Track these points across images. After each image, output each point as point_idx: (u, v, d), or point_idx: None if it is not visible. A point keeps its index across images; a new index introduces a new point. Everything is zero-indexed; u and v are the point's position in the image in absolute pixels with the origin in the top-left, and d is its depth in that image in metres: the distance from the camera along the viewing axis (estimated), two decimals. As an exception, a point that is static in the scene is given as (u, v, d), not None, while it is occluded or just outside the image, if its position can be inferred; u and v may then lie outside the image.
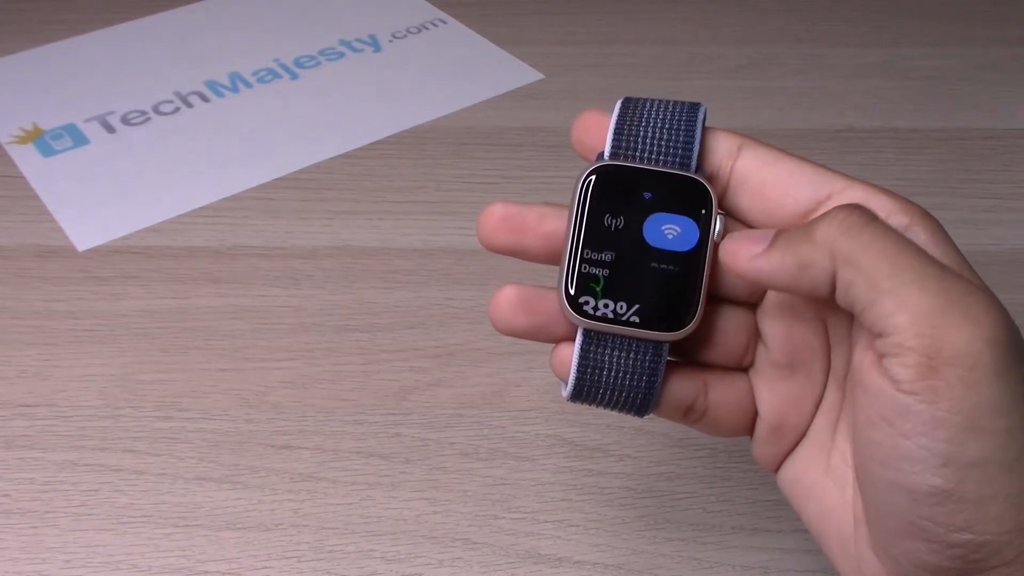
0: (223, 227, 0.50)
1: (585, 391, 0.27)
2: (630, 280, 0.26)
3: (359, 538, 0.36)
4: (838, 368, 0.27)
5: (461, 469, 0.39)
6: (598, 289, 0.26)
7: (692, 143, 0.26)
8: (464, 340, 0.44)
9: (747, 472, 0.39)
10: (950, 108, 0.60)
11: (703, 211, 0.26)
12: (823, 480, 0.27)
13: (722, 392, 0.27)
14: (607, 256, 0.26)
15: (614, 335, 0.26)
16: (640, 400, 0.27)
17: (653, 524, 0.37)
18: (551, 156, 0.55)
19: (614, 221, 0.26)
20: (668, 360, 0.27)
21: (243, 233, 0.50)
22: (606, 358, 0.26)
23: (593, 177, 0.26)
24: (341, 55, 0.64)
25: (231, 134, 0.57)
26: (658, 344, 0.26)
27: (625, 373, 0.26)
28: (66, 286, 0.46)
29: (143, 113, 0.58)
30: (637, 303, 0.26)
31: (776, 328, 0.27)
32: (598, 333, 0.26)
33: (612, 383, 0.26)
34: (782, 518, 0.37)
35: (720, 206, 0.26)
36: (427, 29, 0.67)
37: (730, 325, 0.27)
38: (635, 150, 0.26)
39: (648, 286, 0.26)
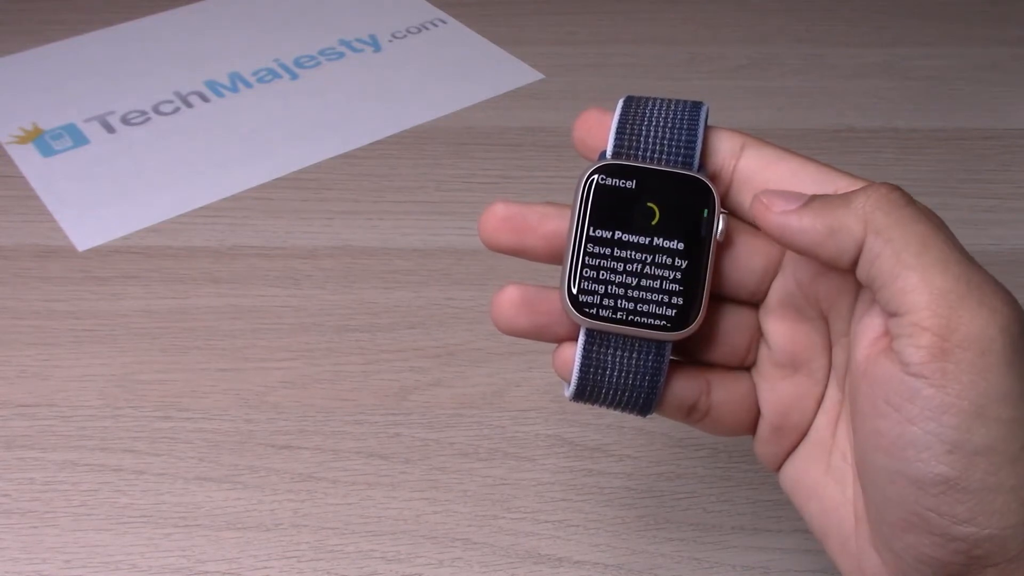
0: (223, 227, 0.50)
1: (588, 391, 0.27)
2: (633, 279, 0.26)
3: (359, 538, 0.36)
4: (839, 367, 0.27)
5: (461, 469, 0.39)
6: (601, 289, 0.26)
7: (695, 142, 0.26)
8: (464, 340, 0.44)
9: (747, 472, 0.39)
10: (950, 108, 0.60)
11: (706, 211, 0.26)
12: (824, 479, 0.27)
13: (724, 391, 0.28)
14: (610, 256, 0.26)
15: (617, 335, 0.26)
16: (643, 400, 0.27)
17: (653, 524, 0.37)
18: (551, 156, 0.55)
19: (617, 220, 0.26)
20: (671, 359, 0.27)
21: (243, 233, 0.50)
22: (609, 358, 0.26)
23: (595, 176, 0.26)
24: (341, 55, 0.64)
25: (231, 134, 0.57)
26: (661, 344, 0.26)
27: (628, 373, 0.26)
28: (66, 286, 0.46)
29: (143, 113, 0.58)
30: (640, 303, 0.26)
31: (778, 327, 0.27)
32: (601, 333, 0.26)
33: (615, 383, 0.26)
34: (782, 518, 0.37)
35: (723, 205, 0.26)
36: (427, 29, 0.67)
37: (733, 324, 0.27)
38: (637, 149, 0.26)
39: (651, 285, 0.26)
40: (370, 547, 0.36)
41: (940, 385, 0.21)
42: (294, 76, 0.62)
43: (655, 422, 0.41)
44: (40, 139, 0.56)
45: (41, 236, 0.49)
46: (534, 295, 0.27)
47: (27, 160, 0.55)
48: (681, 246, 0.26)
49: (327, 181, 0.53)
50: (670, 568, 0.36)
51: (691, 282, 0.26)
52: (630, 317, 0.26)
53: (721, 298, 0.27)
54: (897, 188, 0.23)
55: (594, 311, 0.26)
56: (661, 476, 0.39)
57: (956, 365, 0.21)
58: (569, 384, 0.27)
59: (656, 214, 0.26)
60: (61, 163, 0.54)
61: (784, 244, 0.25)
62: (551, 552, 0.36)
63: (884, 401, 0.22)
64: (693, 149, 0.26)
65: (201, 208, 0.51)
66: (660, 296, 0.26)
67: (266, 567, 0.35)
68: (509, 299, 0.27)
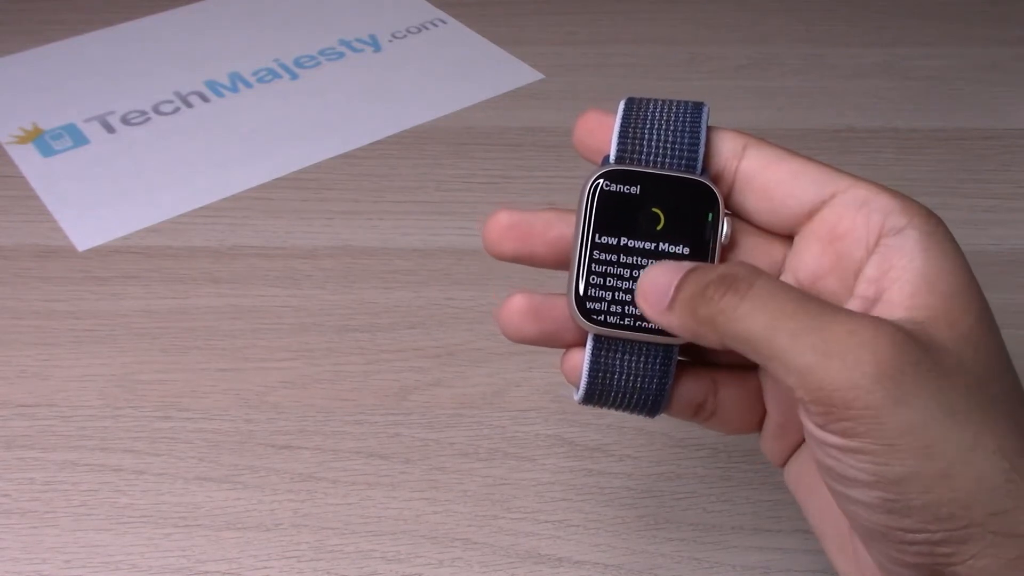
0: (223, 227, 0.50)
1: (597, 395, 0.27)
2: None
3: (359, 538, 0.36)
4: None
5: (461, 469, 0.39)
6: (608, 295, 0.26)
7: (697, 145, 0.26)
8: (464, 340, 0.44)
9: (747, 472, 0.39)
10: (950, 108, 0.60)
11: (710, 214, 0.26)
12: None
13: (731, 390, 0.28)
14: (616, 261, 0.26)
15: (624, 340, 0.26)
16: (651, 402, 0.27)
17: (653, 524, 0.37)
18: (551, 156, 0.55)
19: (622, 225, 0.26)
20: (678, 360, 0.27)
21: (243, 233, 0.50)
22: (617, 362, 0.26)
23: (600, 182, 0.26)
24: (341, 55, 0.64)
25: (231, 134, 0.57)
26: (668, 348, 0.26)
27: (636, 376, 0.26)
28: (66, 286, 0.46)
29: (143, 113, 0.58)
30: None
31: None
32: (609, 338, 0.26)
33: (623, 387, 0.27)
34: (782, 518, 0.37)
35: (726, 206, 0.26)
36: (427, 29, 0.67)
37: None
38: (640, 153, 0.26)
39: None
40: (370, 547, 0.36)
41: (847, 436, 0.21)
42: (294, 76, 0.62)
43: (655, 422, 0.41)
44: (40, 139, 0.56)
45: (41, 236, 0.49)
46: (541, 303, 0.27)
47: (27, 160, 0.55)
48: (687, 250, 0.26)
49: (327, 181, 0.53)
50: (670, 568, 0.36)
51: None
52: (637, 323, 0.26)
53: None
54: (732, 279, 0.23)
55: (602, 317, 0.26)
56: (661, 476, 0.39)
57: (850, 421, 0.21)
58: (578, 389, 0.27)
59: (661, 219, 0.26)
60: (61, 163, 0.54)
61: None
62: (551, 552, 0.36)
63: (811, 440, 0.23)
64: (696, 152, 0.26)
65: (201, 208, 0.51)
66: None
67: (266, 567, 0.35)
68: (516, 307, 0.27)
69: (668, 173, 0.26)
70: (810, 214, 0.25)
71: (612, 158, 0.26)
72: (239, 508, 0.37)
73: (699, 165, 0.26)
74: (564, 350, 0.28)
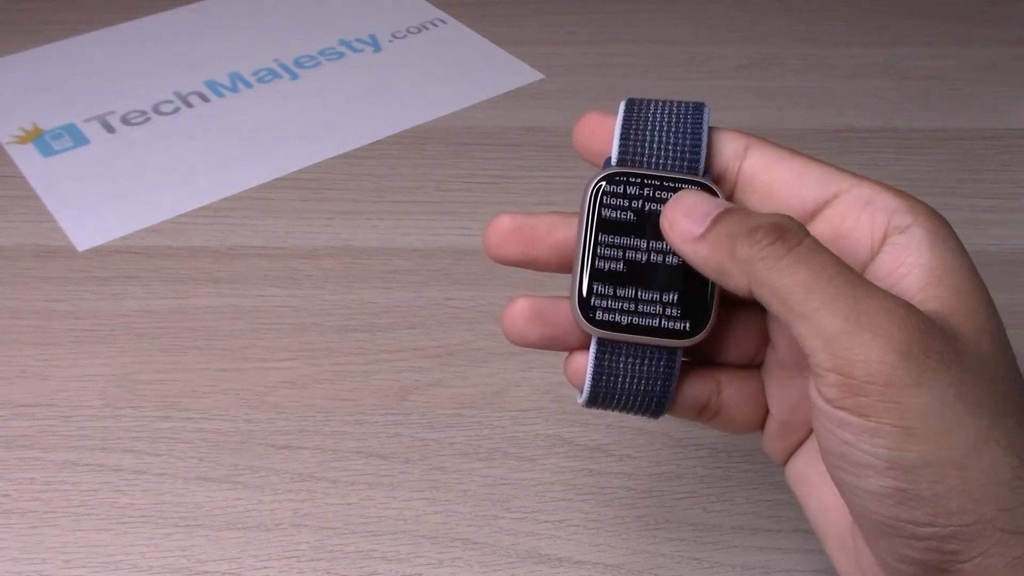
0: (223, 227, 0.50)
1: (601, 398, 0.27)
2: (643, 288, 0.26)
3: (359, 538, 0.36)
4: None
5: (461, 469, 0.39)
6: (611, 298, 0.26)
7: (699, 146, 0.26)
8: (464, 340, 0.44)
9: (747, 472, 0.39)
10: (950, 108, 0.60)
11: None
12: (825, 477, 0.27)
13: (735, 390, 0.28)
14: (619, 264, 0.26)
15: (628, 343, 0.26)
16: (655, 404, 0.27)
17: (653, 524, 0.37)
18: (551, 156, 0.55)
19: (625, 229, 0.26)
20: (682, 361, 0.27)
21: (243, 233, 0.50)
22: (621, 365, 0.26)
23: (602, 184, 0.26)
24: (341, 55, 0.64)
25: (231, 134, 0.57)
26: (672, 350, 0.26)
27: (640, 379, 0.26)
28: (66, 286, 0.46)
29: (143, 113, 0.58)
30: (650, 311, 0.26)
31: (782, 329, 0.27)
32: (612, 342, 0.26)
33: (627, 389, 0.27)
34: (782, 518, 0.37)
35: None
36: (427, 29, 0.67)
37: (742, 326, 0.28)
38: (642, 155, 0.26)
39: (660, 293, 0.26)
40: (370, 547, 0.36)
41: (861, 414, 0.21)
42: (294, 76, 0.62)
43: (655, 423, 0.41)
44: (40, 139, 0.56)
45: (41, 236, 0.49)
46: (544, 306, 0.27)
47: (27, 160, 0.55)
48: None
49: (327, 181, 0.53)
50: (670, 568, 0.36)
51: (700, 288, 0.26)
52: (641, 325, 0.26)
53: (730, 299, 0.27)
54: (784, 230, 0.23)
55: (605, 321, 0.26)
56: (661, 476, 0.39)
57: (868, 397, 0.21)
58: (581, 392, 0.27)
59: None
60: (61, 163, 0.54)
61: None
62: (551, 552, 0.36)
63: (823, 425, 0.23)
64: (698, 153, 0.26)
65: (201, 208, 0.51)
66: (670, 303, 0.26)
67: (266, 567, 0.35)
68: (520, 312, 0.27)
69: (670, 175, 0.26)
70: (813, 214, 0.25)
71: (614, 160, 0.26)
72: (239, 508, 0.37)
73: (701, 166, 0.26)
74: (567, 353, 0.28)
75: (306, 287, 0.47)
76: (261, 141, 0.56)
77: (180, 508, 0.37)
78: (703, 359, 0.28)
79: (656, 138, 0.26)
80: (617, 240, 0.26)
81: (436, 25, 0.67)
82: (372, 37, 0.66)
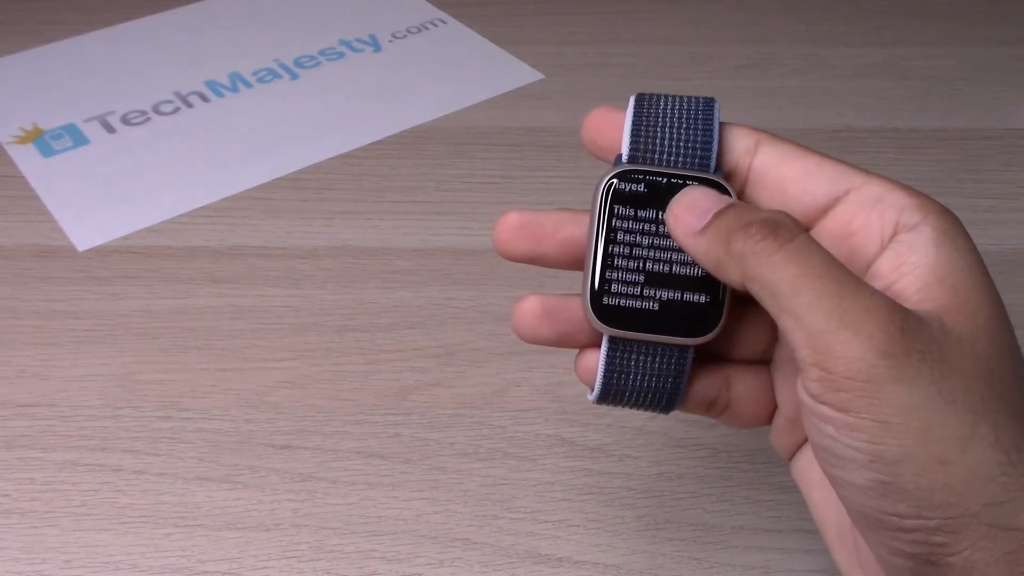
0: (223, 227, 0.50)
1: (612, 395, 0.27)
2: (654, 286, 0.26)
3: (359, 538, 0.36)
4: None
5: (461, 469, 0.39)
6: (623, 296, 0.26)
7: (711, 142, 0.26)
8: (464, 340, 0.44)
9: (747, 472, 0.39)
10: (950, 108, 0.60)
11: None
12: None
13: (744, 386, 0.28)
14: (631, 262, 0.26)
15: (640, 341, 0.26)
16: (666, 400, 0.27)
17: (653, 524, 0.37)
18: (551, 156, 0.55)
19: (636, 226, 0.26)
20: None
21: (243, 233, 0.50)
22: (632, 363, 0.26)
23: (614, 182, 0.26)
24: (341, 55, 0.64)
25: (231, 134, 0.57)
26: (684, 347, 0.26)
27: (651, 376, 0.26)
28: (66, 286, 0.46)
29: (143, 113, 0.58)
30: (662, 309, 0.26)
31: None
32: (624, 339, 0.26)
33: (638, 386, 0.27)
34: (782, 518, 0.37)
35: None
36: (427, 29, 0.67)
37: (752, 323, 0.28)
38: (653, 152, 0.26)
39: (672, 291, 0.26)
40: (370, 547, 0.36)
41: (842, 409, 0.22)
42: (294, 76, 0.62)
43: (655, 422, 0.41)
44: (40, 139, 0.56)
45: (41, 236, 0.49)
46: (555, 304, 0.27)
47: (27, 160, 0.55)
48: None
49: (327, 181, 0.53)
50: (670, 568, 0.36)
51: (712, 286, 0.26)
52: (652, 323, 0.26)
53: (740, 297, 0.27)
54: (779, 225, 0.23)
55: (616, 318, 0.26)
56: (661, 476, 0.39)
57: (848, 392, 0.21)
58: (592, 389, 0.27)
59: None
60: (61, 163, 0.54)
61: None
62: (551, 552, 0.36)
63: (808, 420, 0.23)
64: (709, 150, 0.26)
65: (201, 208, 0.51)
66: (682, 301, 0.26)
67: (266, 567, 0.35)
68: (531, 309, 0.27)
69: (682, 172, 0.26)
70: (824, 210, 0.25)
71: (625, 157, 0.26)
72: (239, 508, 0.37)
73: (712, 163, 0.26)
74: (578, 350, 0.28)
75: (306, 287, 0.47)
76: (261, 141, 0.56)
77: (180, 508, 0.37)
78: (713, 355, 0.28)
79: (667, 135, 0.26)
80: (628, 237, 0.26)
81: (436, 25, 0.67)
82: (372, 37, 0.66)
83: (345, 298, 0.46)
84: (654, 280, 0.26)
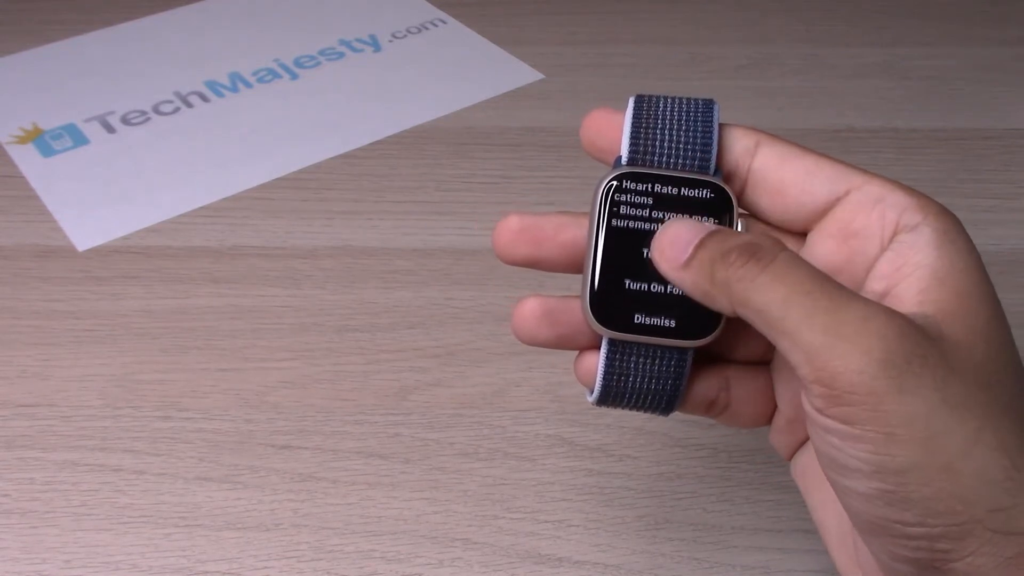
0: (223, 227, 0.50)
1: (611, 398, 0.27)
2: (654, 288, 0.26)
3: (359, 538, 0.36)
4: None
5: (461, 469, 0.39)
6: (622, 298, 0.26)
7: (710, 145, 0.26)
8: (464, 340, 0.44)
9: (747, 472, 0.39)
10: (950, 108, 0.60)
11: (725, 216, 0.26)
12: None
13: (744, 387, 0.28)
14: (630, 265, 0.26)
15: (639, 343, 0.26)
16: (666, 402, 0.27)
17: (653, 524, 0.37)
18: (551, 156, 0.55)
19: (636, 228, 0.26)
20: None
21: (243, 233, 0.50)
22: (632, 365, 0.26)
23: (613, 184, 0.26)
24: (341, 55, 0.64)
25: (231, 134, 0.57)
26: (683, 349, 0.26)
27: (651, 378, 0.26)
28: (66, 286, 0.46)
29: (143, 113, 0.58)
30: (661, 311, 0.26)
31: None
32: (623, 341, 0.26)
33: (638, 388, 0.26)
34: (782, 518, 0.37)
35: (738, 204, 0.26)
36: (427, 29, 0.67)
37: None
38: (653, 154, 0.26)
39: (672, 294, 0.26)
40: (370, 547, 0.36)
41: (846, 422, 0.22)
42: (294, 76, 0.62)
43: (655, 422, 0.41)
44: (40, 139, 0.56)
45: (41, 236, 0.49)
46: (555, 306, 0.27)
47: (27, 160, 0.55)
48: None
49: (327, 181, 0.53)
50: (670, 568, 0.36)
51: None
52: (652, 326, 0.26)
53: None
54: (755, 248, 0.23)
55: (616, 321, 0.26)
56: (661, 476, 0.39)
57: (852, 406, 0.21)
58: (591, 391, 0.27)
59: None
60: (61, 163, 0.54)
61: None
62: (551, 552, 0.36)
63: (813, 430, 0.23)
64: (709, 152, 0.26)
65: (201, 208, 0.51)
66: (681, 304, 0.26)
67: (266, 567, 0.35)
68: (530, 311, 0.27)
69: (681, 175, 0.26)
70: (824, 211, 0.25)
71: (624, 159, 0.26)
72: (239, 508, 0.37)
73: (712, 165, 0.26)
74: (577, 352, 0.28)
75: (306, 287, 0.47)
76: (261, 141, 0.56)
77: (180, 508, 0.37)
78: (713, 356, 0.28)
79: (666, 137, 0.26)
80: (628, 240, 0.26)
81: (436, 25, 0.67)
82: (372, 37, 0.66)
83: (345, 298, 0.46)
84: (654, 282, 0.26)
